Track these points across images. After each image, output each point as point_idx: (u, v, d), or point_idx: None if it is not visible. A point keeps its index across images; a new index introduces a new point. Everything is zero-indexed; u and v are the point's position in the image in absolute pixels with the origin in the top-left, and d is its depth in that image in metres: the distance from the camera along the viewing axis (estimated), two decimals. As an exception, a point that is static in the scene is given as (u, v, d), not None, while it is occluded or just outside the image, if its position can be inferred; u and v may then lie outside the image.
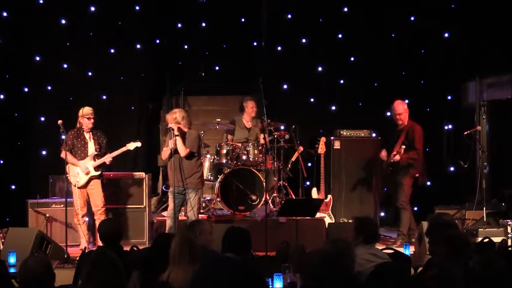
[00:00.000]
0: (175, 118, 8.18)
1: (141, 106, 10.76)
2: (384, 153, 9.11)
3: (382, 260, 5.10)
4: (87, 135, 8.55)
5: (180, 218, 8.61)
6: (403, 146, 8.79)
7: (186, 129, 8.24)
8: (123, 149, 8.63)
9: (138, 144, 8.64)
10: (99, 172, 8.54)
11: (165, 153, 8.35)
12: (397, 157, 8.81)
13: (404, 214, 8.91)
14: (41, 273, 4.00)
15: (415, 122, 9.08)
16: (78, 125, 8.57)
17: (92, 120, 8.51)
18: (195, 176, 8.25)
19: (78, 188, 8.41)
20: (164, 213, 9.35)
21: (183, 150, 8.10)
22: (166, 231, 8.18)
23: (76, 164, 8.39)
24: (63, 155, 8.42)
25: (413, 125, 9.01)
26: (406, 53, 10.66)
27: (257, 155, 9.33)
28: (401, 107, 9.04)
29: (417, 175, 9.02)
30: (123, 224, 8.79)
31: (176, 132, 8.08)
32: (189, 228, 5.79)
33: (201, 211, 9.64)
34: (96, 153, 8.50)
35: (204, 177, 9.55)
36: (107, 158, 8.52)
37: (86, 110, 8.50)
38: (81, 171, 8.43)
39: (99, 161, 8.49)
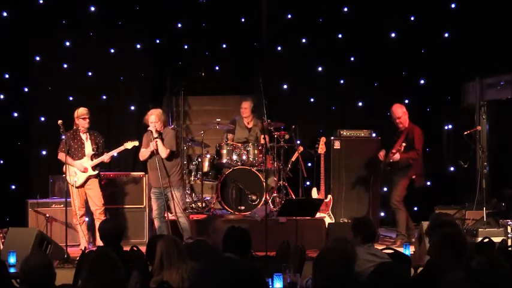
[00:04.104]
0: (160, 116, 8.18)
1: (141, 106, 10.75)
2: (382, 153, 9.11)
3: (382, 260, 5.09)
4: (83, 136, 8.54)
5: (170, 217, 8.55)
6: (404, 144, 8.77)
7: (162, 129, 8.23)
8: (121, 148, 8.62)
9: (136, 143, 8.62)
10: (97, 172, 8.54)
11: (143, 154, 8.29)
12: (397, 156, 8.79)
13: (399, 214, 8.92)
14: (42, 271, 4.01)
15: (416, 124, 9.07)
16: (74, 127, 8.56)
17: (88, 120, 8.48)
18: (175, 174, 8.24)
19: (76, 187, 8.40)
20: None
21: (164, 152, 8.10)
22: (157, 232, 8.18)
23: (72, 164, 8.37)
24: (60, 156, 8.43)
25: (413, 127, 9.01)
26: (406, 53, 10.66)
27: (257, 155, 9.33)
28: (400, 111, 9.03)
29: (414, 177, 9.01)
30: (123, 224, 8.77)
31: (155, 134, 8.08)
32: (203, 225, 5.88)
33: (201, 211, 9.66)
34: (93, 153, 8.50)
35: (204, 177, 9.58)
36: (105, 157, 8.52)
37: (81, 111, 8.49)
38: (78, 170, 8.42)
39: (96, 161, 8.48)
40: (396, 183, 8.94)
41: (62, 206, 8.53)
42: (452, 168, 10.60)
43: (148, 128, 8.19)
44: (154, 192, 8.28)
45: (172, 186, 8.17)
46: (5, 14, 10.07)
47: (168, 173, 8.16)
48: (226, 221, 8.36)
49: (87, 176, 8.46)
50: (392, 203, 8.95)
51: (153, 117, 8.17)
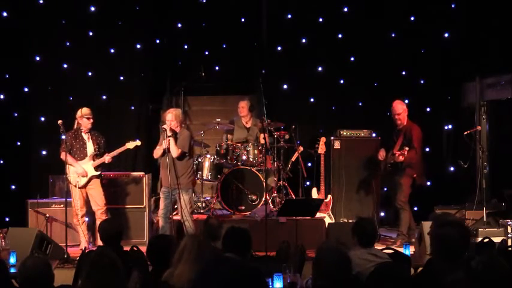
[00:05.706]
0: (178, 116, 8.19)
1: (141, 106, 10.76)
2: (382, 153, 9.10)
3: (382, 260, 5.09)
4: (85, 136, 8.55)
5: (175, 217, 8.57)
6: (407, 148, 8.74)
7: (178, 129, 8.23)
8: (123, 148, 8.62)
9: (138, 143, 8.64)
10: (99, 172, 8.55)
11: (157, 152, 8.29)
12: (401, 158, 8.74)
13: (404, 214, 8.92)
14: (40, 274, 4.01)
15: (415, 123, 9.07)
16: (76, 126, 8.57)
17: (91, 120, 8.50)
18: (185, 176, 8.22)
19: (78, 188, 8.41)
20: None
21: (175, 151, 8.08)
22: (160, 232, 8.17)
23: (74, 164, 8.37)
24: (62, 156, 8.42)
25: (411, 125, 9.01)
26: (406, 53, 10.66)
27: (257, 155, 9.33)
28: (400, 107, 9.03)
29: (415, 176, 9.01)
30: (123, 224, 8.78)
31: (169, 133, 8.07)
32: (212, 228, 5.90)
33: (201, 211, 9.66)
34: (95, 153, 8.51)
35: (204, 177, 9.58)
36: (107, 158, 8.53)
37: (85, 111, 8.50)
38: (78, 172, 8.41)
39: (98, 161, 8.49)
40: (400, 184, 8.91)
41: (62, 206, 8.53)
42: (452, 168, 10.60)
43: (163, 126, 8.19)
44: (164, 191, 8.28)
45: (181, 188, 8.13)
46: (5, 14, 10.07)
47: (178, 173, 8.13)
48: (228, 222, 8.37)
49: (90, 176, 8.47)
50: (397, 203, 8.93)
51: (170, 116, 8.18)
